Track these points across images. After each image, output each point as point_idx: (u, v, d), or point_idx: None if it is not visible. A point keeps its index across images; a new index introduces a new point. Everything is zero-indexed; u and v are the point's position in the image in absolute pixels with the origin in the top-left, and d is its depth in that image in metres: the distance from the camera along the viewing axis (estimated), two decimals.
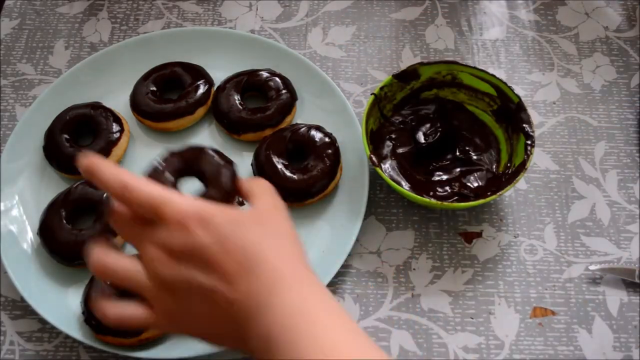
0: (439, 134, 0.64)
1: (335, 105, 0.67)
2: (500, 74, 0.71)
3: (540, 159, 0.66)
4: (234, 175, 0.51)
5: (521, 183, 0.64)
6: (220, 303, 0.40)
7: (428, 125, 0.65)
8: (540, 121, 0.68)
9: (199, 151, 0.54)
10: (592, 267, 0.59)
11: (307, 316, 0.39)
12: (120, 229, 0.43)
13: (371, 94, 0.62)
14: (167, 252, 0.40)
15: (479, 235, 0.62)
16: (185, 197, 0.42)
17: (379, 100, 0.64)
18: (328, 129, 0.64)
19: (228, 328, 0.41)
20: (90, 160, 0.42)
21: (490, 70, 0.66)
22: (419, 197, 0.58)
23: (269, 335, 0.39)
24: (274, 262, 0.41)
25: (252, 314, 0.39)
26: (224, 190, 0.50)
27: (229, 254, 0.40)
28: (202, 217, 0.41)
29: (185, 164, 0.52)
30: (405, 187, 0.61)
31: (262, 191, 0.46)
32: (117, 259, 0.42)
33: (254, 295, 0.40)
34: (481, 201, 0.58)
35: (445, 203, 0.59)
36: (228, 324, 0.41)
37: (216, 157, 0.52)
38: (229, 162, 0.53)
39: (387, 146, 0.64)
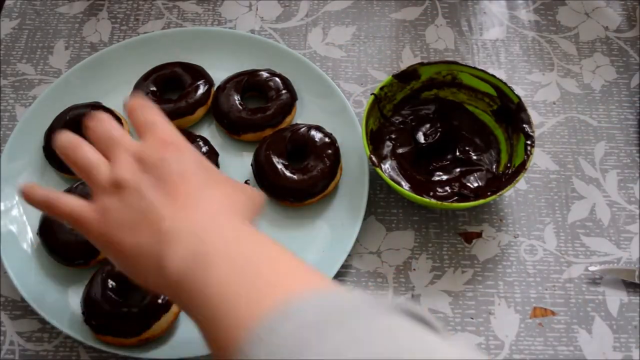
0: (439, 134, 0.64)
1: (335, 106, 0.67)
2: (500, 74, 0.71)
3: (540, 159, 0.66)
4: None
5: (521, 183, 0.64)
6: (153, 217, 0.42)
7: (428, 125, 0.65)
8: (540, 121, 0.68)
9: None
10: (591, 269, 0.59)
11: (239, 245, 0.41)
12: (100, 136, 0.47)
13: (371, 94, 0.62)
14: (138, 160, 0.45)
15: (479, 235, 0.62)
16: (175, 128, 0.48)
17: (379, 100, 0.64)
18: (328, 129, 0.64)
19: (149, 247, 0.42)
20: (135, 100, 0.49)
21: (490, 70, 0.66)
22: (419, 197, 0.58)
23: (195, 255, 0.40)
24: (220, 211, 0.44)
25: (180, 235, 0.41)
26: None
27: (184, 182, 0.44)
28: (180, 148, 0.46)
29: None
30: (405, 187, 0.61)
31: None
32: (91, 148, 0.47)
33: (192, 222, 0.42)
34: (481, 201, 0.57)
35: (445, 203, 0.59)
36: (150, 242, 0.42)
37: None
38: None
39: (387, 146, 0.64)
